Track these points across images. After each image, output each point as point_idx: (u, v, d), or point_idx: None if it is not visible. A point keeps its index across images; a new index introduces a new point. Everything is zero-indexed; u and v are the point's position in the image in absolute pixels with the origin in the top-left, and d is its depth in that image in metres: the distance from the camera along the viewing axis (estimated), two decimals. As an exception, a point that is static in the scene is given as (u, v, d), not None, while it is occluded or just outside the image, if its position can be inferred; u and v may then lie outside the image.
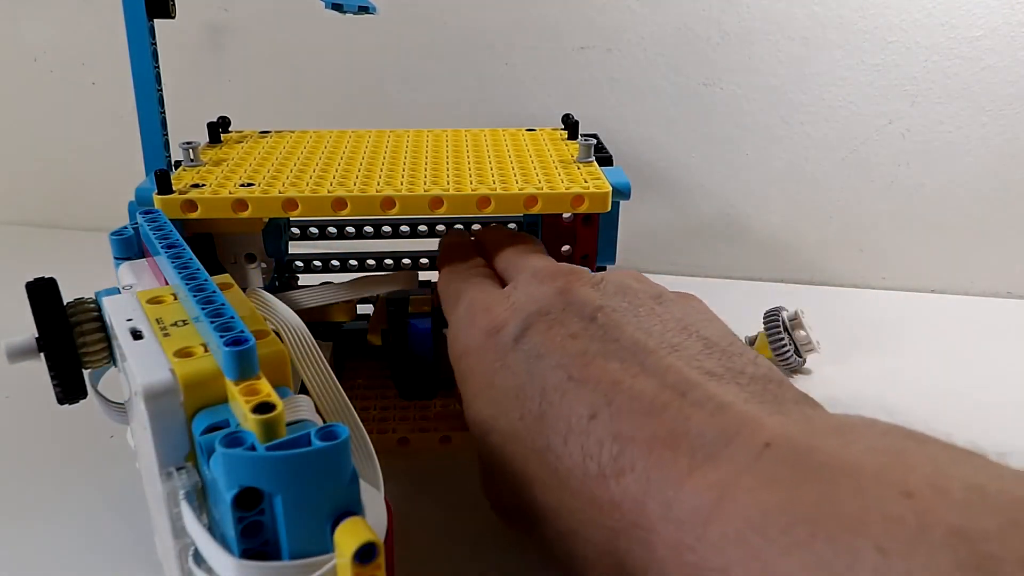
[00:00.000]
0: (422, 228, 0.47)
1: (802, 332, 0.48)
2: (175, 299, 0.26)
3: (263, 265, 0.40)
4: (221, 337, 0.21)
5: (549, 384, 0.25)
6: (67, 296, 0.27)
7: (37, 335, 0.26)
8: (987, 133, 0.58)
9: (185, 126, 0.42)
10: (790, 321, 0.49)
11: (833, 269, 0.65)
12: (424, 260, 0.49)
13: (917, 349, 0.53)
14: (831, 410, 0.23)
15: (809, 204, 0.63)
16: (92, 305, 0.27)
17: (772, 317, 0.49)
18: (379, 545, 0.18)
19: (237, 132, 0.45)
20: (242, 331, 0.21)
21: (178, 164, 0.38)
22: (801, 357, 0.48)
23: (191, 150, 0.38)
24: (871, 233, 0.63)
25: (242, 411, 0.20)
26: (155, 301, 0.26)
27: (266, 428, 0.19)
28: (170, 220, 0.33)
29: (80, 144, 0.71)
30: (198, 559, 0.22)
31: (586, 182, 0.35)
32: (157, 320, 0.25)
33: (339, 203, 0.34)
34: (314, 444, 0.19)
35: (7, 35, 0.68)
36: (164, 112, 0.38)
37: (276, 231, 0.44)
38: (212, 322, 0.22)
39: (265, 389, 0.20)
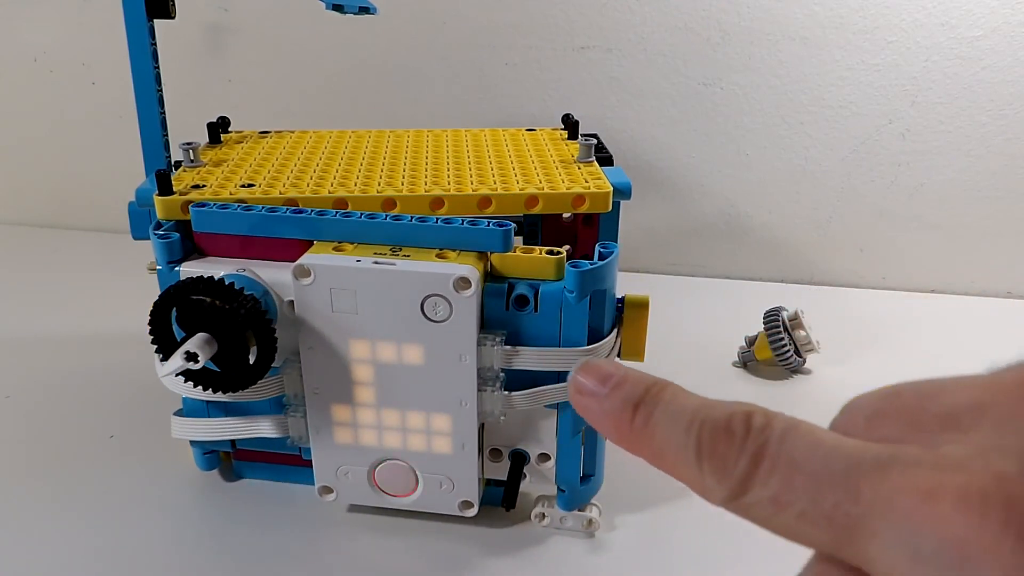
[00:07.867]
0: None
1: (802, 332, 0.48)
2: (355, 247, 0.32)
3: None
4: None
5: None
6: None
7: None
8: (987, 133, 0.58)
9: (185, 126, 0.42)
10: (790, 321, 0.49)
11: (833, 269, 0.65)
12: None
13: (917, 349, 0.53)
14: (830, 410, 0.18)
15: (809, 204, 0.63)
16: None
17: (772, 317, 0.49)
18: None
19: (237, 132, 0.45)
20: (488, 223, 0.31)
21: (178, 164, 0.38)
22: (801, 357, 0.48)
23: (191, 150, 0.38)
24: (871, 233, 0.63)
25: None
26: (339, 250, 0.31)
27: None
28: (170, 220, 0.33)
29: (80, 144, 0.71)
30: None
31: (587, 182, 0.35)
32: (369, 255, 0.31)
33: (340, 203, 0.34)
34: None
35: (7, 35, 0.68)
36: (164, 112, 0.38)
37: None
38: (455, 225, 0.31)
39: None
